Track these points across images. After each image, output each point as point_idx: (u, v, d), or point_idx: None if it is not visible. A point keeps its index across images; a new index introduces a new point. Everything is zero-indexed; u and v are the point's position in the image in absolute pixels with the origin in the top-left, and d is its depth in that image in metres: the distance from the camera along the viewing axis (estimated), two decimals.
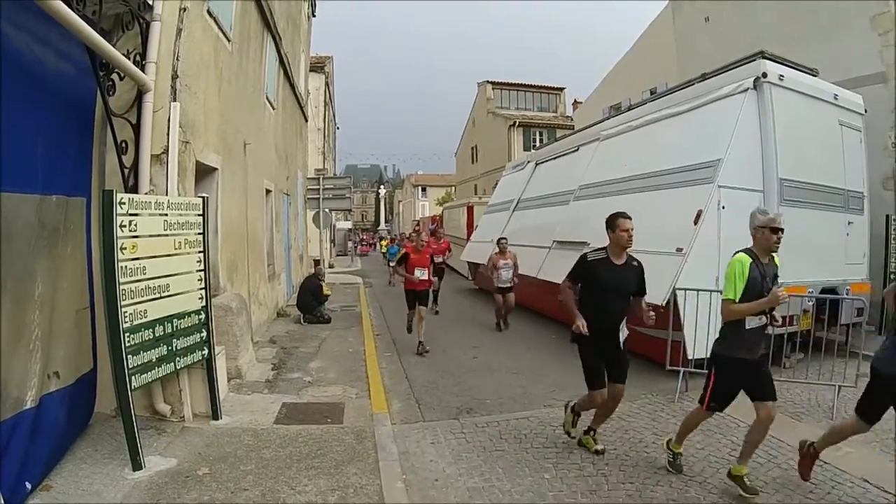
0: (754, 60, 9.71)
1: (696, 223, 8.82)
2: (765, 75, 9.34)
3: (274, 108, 14.11)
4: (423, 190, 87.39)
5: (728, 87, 9.83)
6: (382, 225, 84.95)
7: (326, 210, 23.15)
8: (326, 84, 35.64)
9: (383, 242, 45.83)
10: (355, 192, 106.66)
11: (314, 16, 24.80)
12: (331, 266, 33.07)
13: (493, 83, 48.22)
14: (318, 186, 22.50)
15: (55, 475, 5.03)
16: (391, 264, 20.70)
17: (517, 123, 41.77)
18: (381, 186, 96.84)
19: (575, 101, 43.00)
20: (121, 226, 5.16)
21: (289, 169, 17.37)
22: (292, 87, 17.60)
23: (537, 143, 35.55)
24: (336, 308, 16.16)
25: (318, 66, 32.83)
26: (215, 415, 6.68)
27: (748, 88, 9.41)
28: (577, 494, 5.13)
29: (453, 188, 66.76)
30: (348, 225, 62.84)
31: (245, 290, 10.28)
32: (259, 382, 8.40)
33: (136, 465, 5.22)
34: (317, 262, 20.12)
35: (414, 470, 5.63)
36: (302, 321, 13.79)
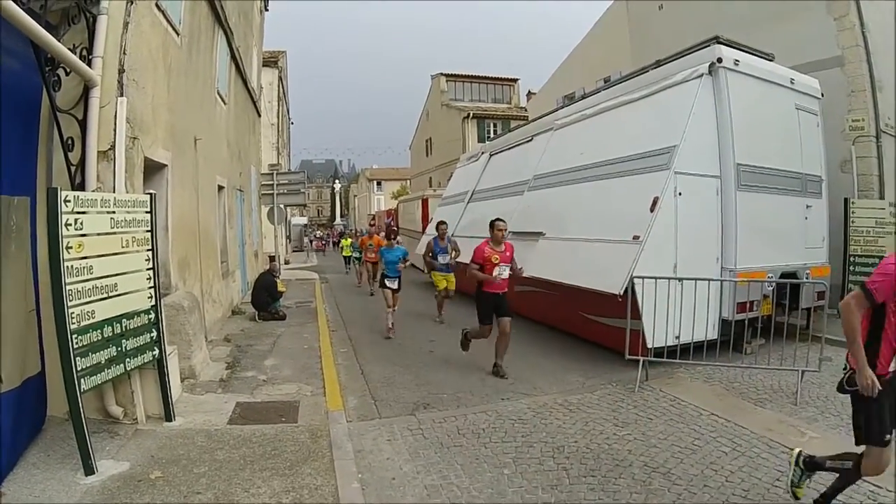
0: (709, 45, 9.74)
1: (652, 210, 8.81)
2: (720, 60, 9.39)
3: (226, 104, 13.91)
4: (379, 184, 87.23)
5: (683, 72, 9.87)
6: (338, 220, 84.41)
7: (281, 206, 22.86)
8: (280, 79, 35.19)
9: (345, 241, 29.56)
10: (310, 188, 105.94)
11: (266, 10, 24.51)
12: (287, 262, 32.80)
13: (446, 75, 48.18)
14: (272, 182, 22.25)
15: (8, 482, 4.93)
16: (387, 283, 12.38)
17: (471, 115, 41.78)
18: (337, 181, 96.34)
19: (529, 91, 43.16)
20: (66, 224, 5.04)
21: (242, 164, 17.14)
22: (244, 82, 17.36)
23: (492, 135, 35.65)
24: (291, 304, 16.06)
25: (271, 60, 32.39)
26: (168, 416, 6.57)
27: (703, 74, 9.44)
28: (538, 490, 5.11)
29: (408, 181, 66.64)
30: (304, 220, 62.46)
31: (198, 289, 10.12)
32: (213, 382, 8.29)
33: (89, 470, 5.13)
34: (272, 259, 19.94)
35: (370, 468, 5.59)
36: (257, 318, 13.67)
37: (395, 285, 12.21)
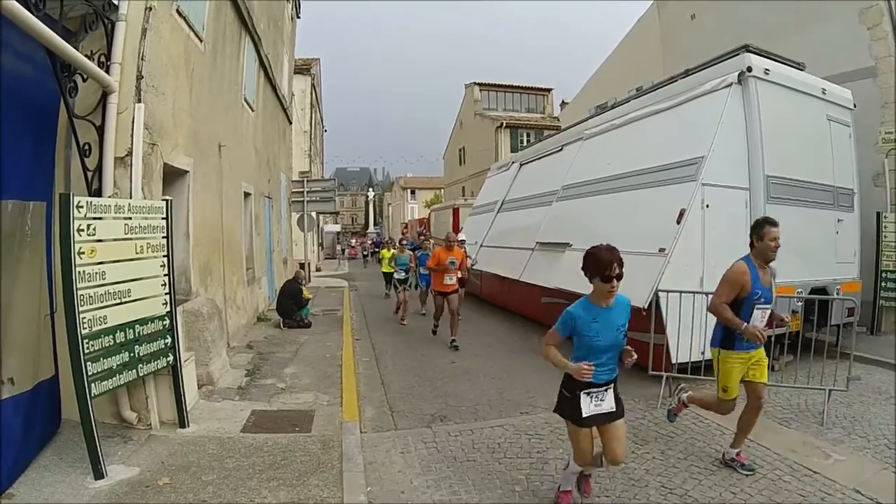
0: (739, 54, 9.57)
1: (678, 222, 8.67)
2: (749, 69, 9.22)
3: (253, 110, 13.99)
4: (412, 192, 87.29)
5: (712, 82, 9.71)
6: (371, 228, 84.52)
7: (312, 213, 22.97)
8: (313, 86, 35.47)
9: (386, 253, 21.30)
10: (345, 195, 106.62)
11: (298, 17, 24.62)
12: (318, 269, 32.93)
13: (480, 84, 48.18)
14: (302, 189, 22.39)
15: (18, 483, 4.98)
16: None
17: (504, 125, 41.72)
18: (370, 189, 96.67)
19: (563, 101, 42.98)
20: (78, 230, 5.05)
21: (270, 171, 17.25)
22: (274, 88, 17.50)
23: (525, 145, 35.52)
24: (318, 312, 16.08)
25: (304, 67, 32.66)
26: (182, 422, 6.55)
27: (732, 83, 9.29)
28: None
29: (441, 190, 66.70)
30: (337, 228, 62.60)
31: (220, 295, 10.13)
32: (231, 389, 8.27)
33: (98, 474, 5.15)
34: (302, 266, 19.97)
35: (380, 481, 5.52)
36: (282, 326, 13.67)
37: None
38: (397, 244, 20.34)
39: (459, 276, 12.37)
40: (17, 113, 5.22)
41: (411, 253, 16.50)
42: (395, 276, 15.94)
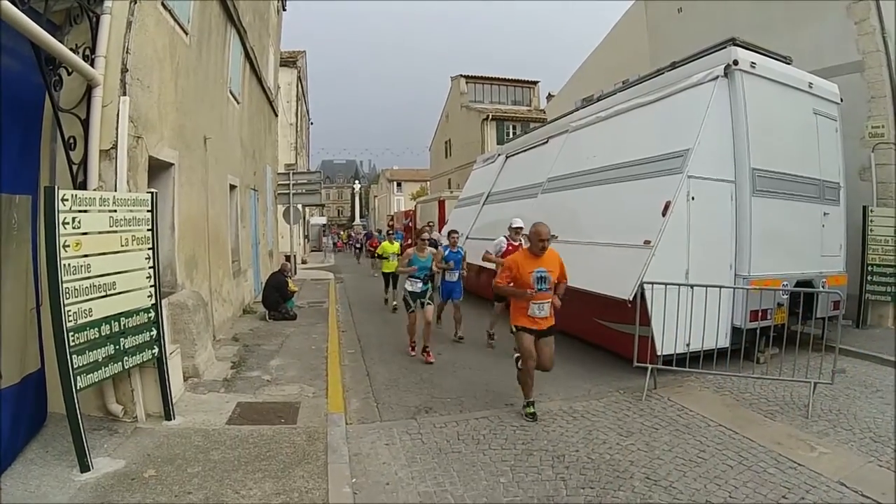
0: (725, 47, 9.56)
1: (664, 215, 8.65)
2: (736, 63, 9.22)
3: (239, 103, 13.94)
4: (399, 185, 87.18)
5: (698, 75, 9.70)
6: (357, 220, 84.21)
7: (297, 206, 22.91)
8: (299, 79, 35.30)
9: (388, 247, 17.17)
10: (331, 188, 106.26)
11: (284, 9, 24.47)
12: (303, 262, 32.83)
13: (466, 77, 47.81)
14: (288, 181, 22.35)
15: (5, 477, 4.99)
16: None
17: (490, 117, 41.44)
18: (357, 181, 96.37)
19: (549, 94, 42.86)
20: (63, 223, 5.06)
21: (256, 164, 17.20)
22: (260, 81, 17.41)
23: (511, 137, 35.47)
24: (304, 304, 16.05)
25: (290, 60, 32.51)
26: (168, 415, 6.58)
27: (718, 76, 9.28)
28: (534, 500, 5.03)
29: (427, 183, 66.55)
30: (323, 220, 62.38)
31: (206, 288, 10.13)
32: (216, 381, 8.28)
33: (84, 467, 5.16)
34: (288, 258, 19.93)
35: (365, 473, 5.55)
36: (267, 318, 13.67)
37: None
38: (417, 239, 11.54)
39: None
40: (3, 107, 5.21)
41: (434, 251, 11.35)
42: (409, 287, 10.47)
